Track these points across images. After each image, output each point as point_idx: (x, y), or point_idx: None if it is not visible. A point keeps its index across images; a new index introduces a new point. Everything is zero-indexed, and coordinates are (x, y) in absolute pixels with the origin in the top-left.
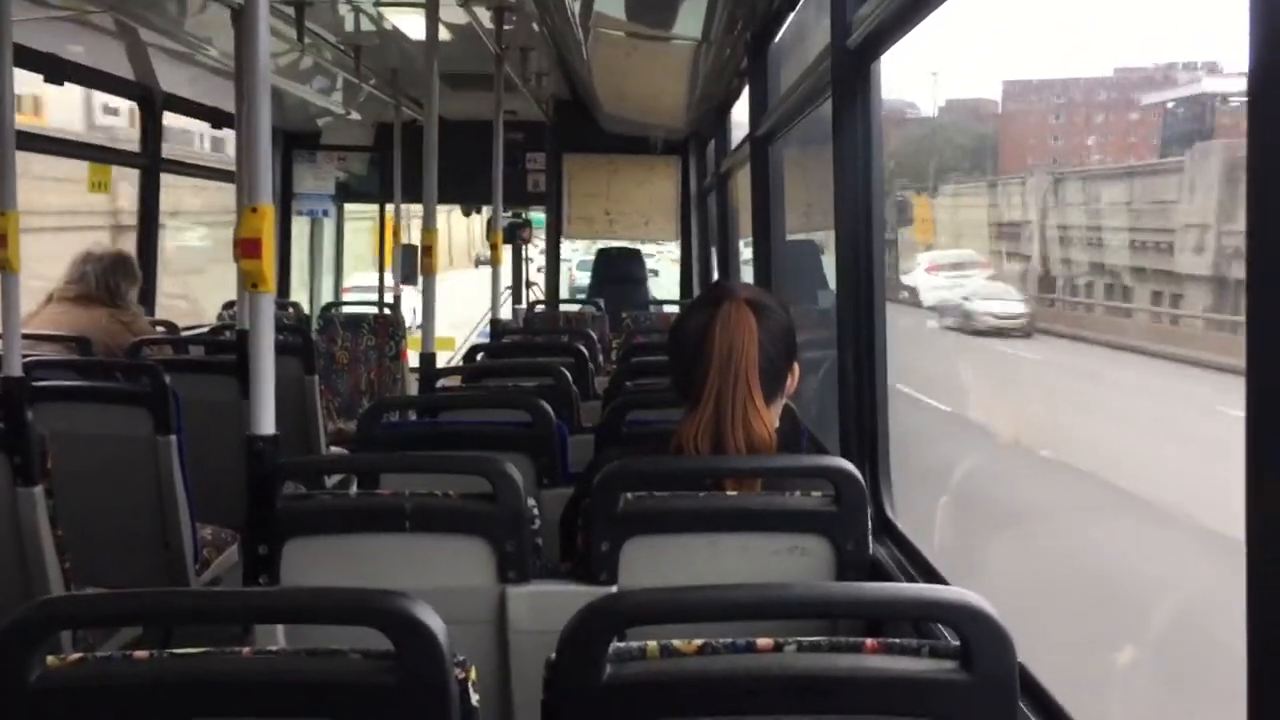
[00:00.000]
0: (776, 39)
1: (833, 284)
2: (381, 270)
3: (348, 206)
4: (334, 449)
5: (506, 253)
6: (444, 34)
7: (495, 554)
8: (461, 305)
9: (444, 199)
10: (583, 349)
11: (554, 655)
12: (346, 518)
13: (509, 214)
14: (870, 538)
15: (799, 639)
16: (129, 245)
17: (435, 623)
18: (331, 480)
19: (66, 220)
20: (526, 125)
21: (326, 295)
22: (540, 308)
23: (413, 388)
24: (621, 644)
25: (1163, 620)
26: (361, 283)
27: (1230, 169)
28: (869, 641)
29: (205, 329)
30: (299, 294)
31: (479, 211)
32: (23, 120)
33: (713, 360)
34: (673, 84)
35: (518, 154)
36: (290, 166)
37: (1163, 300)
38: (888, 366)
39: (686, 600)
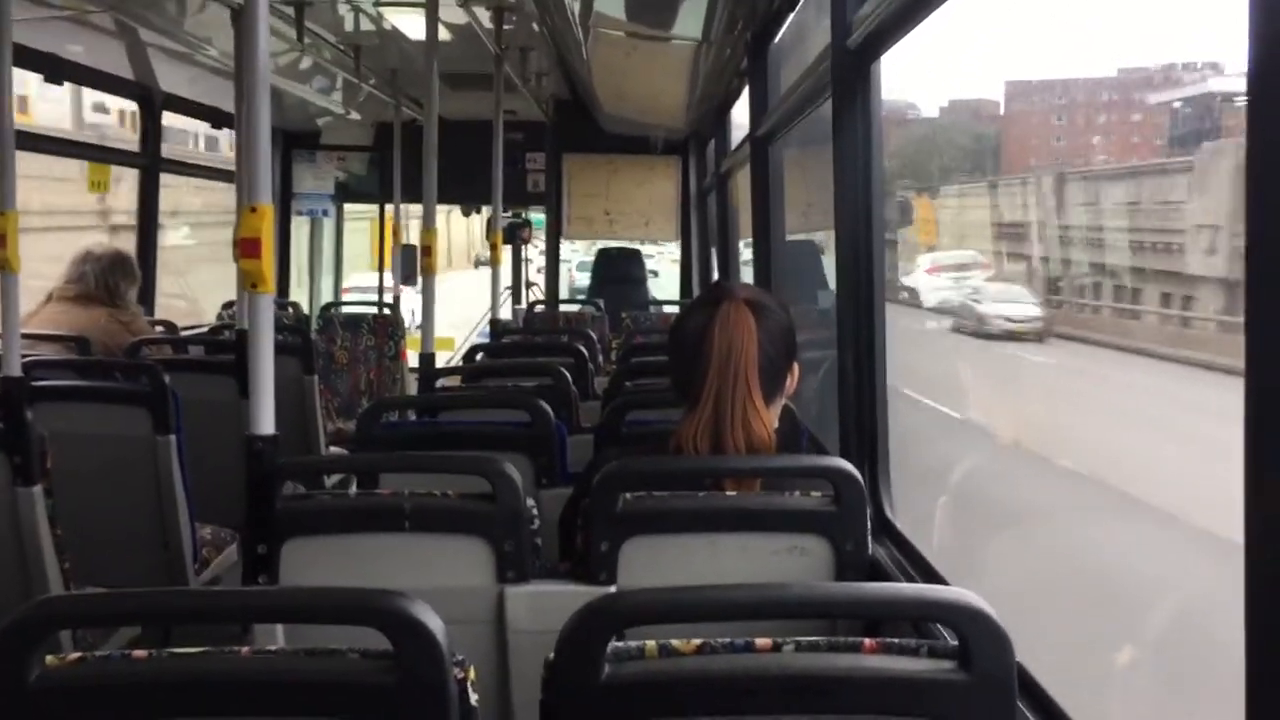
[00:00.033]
0: (776, 39)
1: (833, 284)
2: (381, 270)
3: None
4: (333, 449)
5: (506, 253)
6: (444, 34)
7: (494, 554)
8: (461, 306)
9: (444, 199)
10: (582, 349)
11: (553, 655)
12: (345, 517)
13: (509, 214)
14: (869, 538)
15: (797, 639)
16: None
17: (434, 622)
18: (331, 480)
19: (49, 221)
20: (526, 125)
21: (326, 295)
22: (540, 308)
23: (412, 388)
24: (620, 644)
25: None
26: (358, 284)
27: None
28: (867, 641)
29: (205, 329)
30: (298, 294)
31: (478, 211)
32: None
33: (712, 360)
34: (673, 84)
35: (517, 154)
36: (290, 166)
37: (1189, 304)
38: (894, 369)
39: (685, 600)
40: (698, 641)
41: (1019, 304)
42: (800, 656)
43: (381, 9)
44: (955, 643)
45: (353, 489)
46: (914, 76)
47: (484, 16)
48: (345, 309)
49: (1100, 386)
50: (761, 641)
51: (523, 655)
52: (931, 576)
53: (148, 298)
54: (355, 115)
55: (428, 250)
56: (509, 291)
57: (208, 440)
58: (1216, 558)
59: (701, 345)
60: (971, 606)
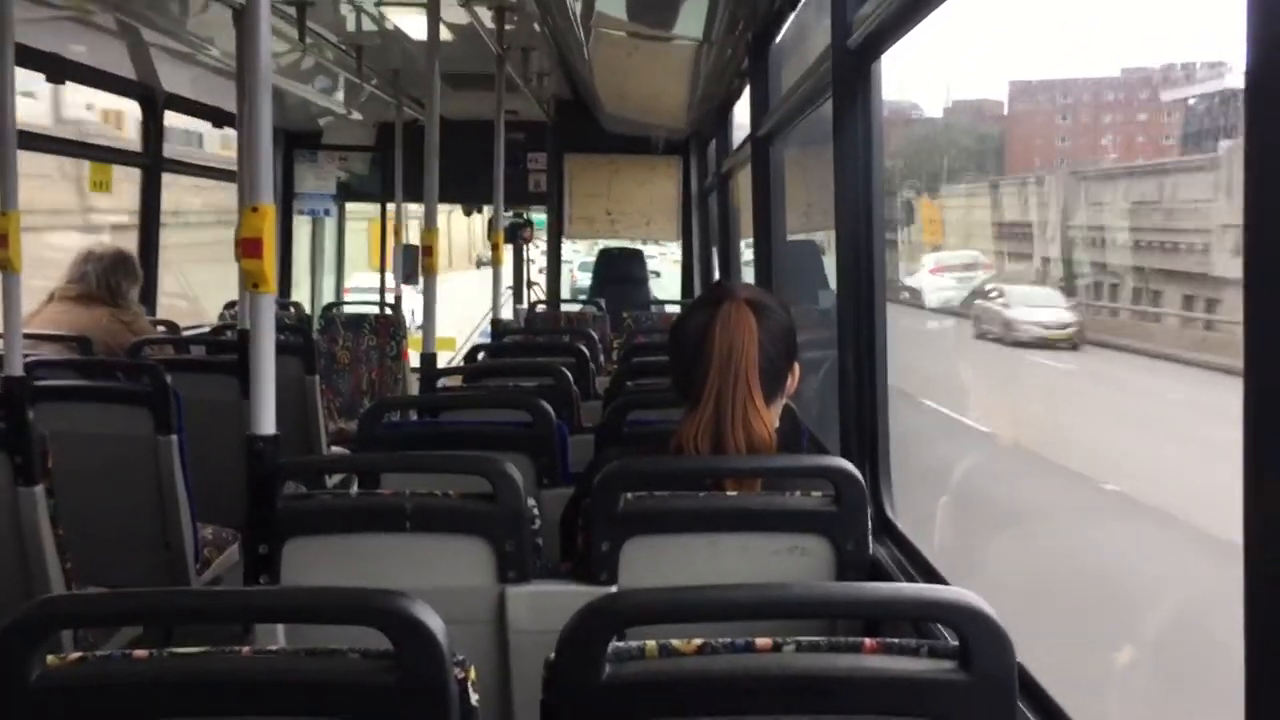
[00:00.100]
0: (777, 39)
1: (833, 284)
2: (383, 270)
3: None
4: (335, 449)
5: (507, 253)
6: (445, 34)
7: (495, 554)
8: (462, 306)
9: (445, 199)
10: (583, 349)
11: (553, 655)
12: (347, 517)
13: (510, 214)
14: (870, 538)
15: (798, 639)
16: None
17: (435, 622)
18: (332, 480)
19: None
20: (528, 125)
21: (328, 295)
22: (541, 308)
23: (414, 387)
24: (621, 644)
25: None
26: (355, 284)
27: None
28: (868, 641)
29: (206, 329)
30: (300, 294)
31: (480, 211)
32: None
33: (713, 360)
34: (674, 84)
35: (519, 154)
36: (291, 166)
37: (1215, 308)
38: (931, 385)
39: (685, 600)
40: (698, 641)
41: (1051, 308)
42: (801, 656)
43: (383, 9)
44: (955, 643)
45: (354, 489)
46: (915, 76)
47: (485, 16)
48: (347, 309)
49: (1174, 408)
50: (762, 641)
51: (523, 655)
52: (932, 576)
53: (149, 297)
54: (357, 115)
55: (429, 250)
56: (510, 291)
57: (209, 440)
58: None
59: (702, 345)
60: (971, 606)
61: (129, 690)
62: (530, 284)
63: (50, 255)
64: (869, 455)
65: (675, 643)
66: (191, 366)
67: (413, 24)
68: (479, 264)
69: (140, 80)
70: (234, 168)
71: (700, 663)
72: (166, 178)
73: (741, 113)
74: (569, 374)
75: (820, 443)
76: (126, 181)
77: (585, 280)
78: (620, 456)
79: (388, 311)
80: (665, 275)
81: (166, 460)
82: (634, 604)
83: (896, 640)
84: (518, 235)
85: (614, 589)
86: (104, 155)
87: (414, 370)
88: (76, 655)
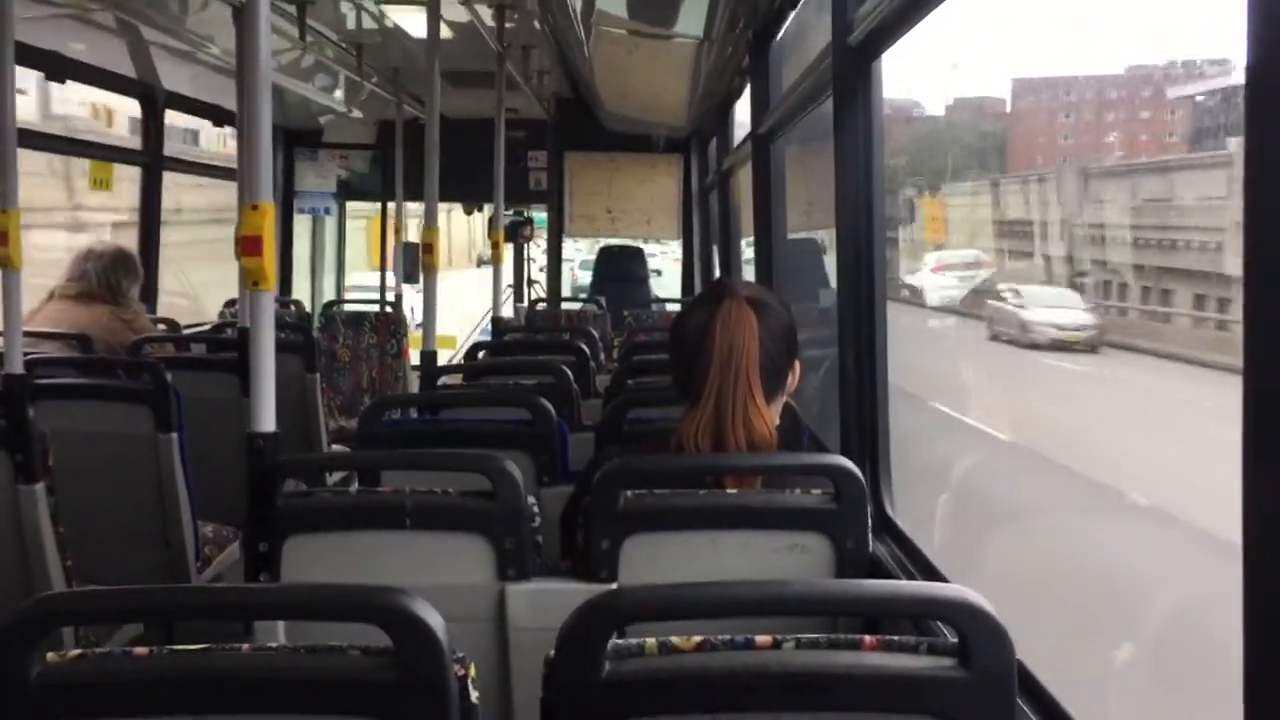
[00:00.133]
0: (778, 37)
1: (834, 282)
2: (383, 268)
3: None
4: (335, 447)
5: (508, 251)
6: (446, 32)
7: (495, 551)
8: (462, 305)
9: (445, 197)
10: (584, 347)
11: (553, 652)
12: (347, 515)
13: (510, 212)
14: (870, 535)
15: (798, 636)
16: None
17: (435, 620)
18: (332, 478)
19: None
20: (528, 123)
21: (328, 293)
22: (542, 306)
23: (414, 386)
24: (620, 641)
25: None
26: (354, 284)
27: None
28: (867, 638)
29: (207, 327)
30: (300, 292)
31: (480, 210)
32: None
33: (713, 358)
34: (674, 82)
35: (519, 152)
36: (292, 164)
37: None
38: (949, 391)
39: (685, 597)
40: (698, 638)
41: (1068, 309)
42: (800, 654)
43: (383, 7)
44: (955, 640)
45: (354, 487)
46: (917, 74)
47: (486, 14)
48: (347, 307)
49: (1209, 417)
50: (762, 639)
51: (523, 653)
52: (931, 574)
53: (150, 295)
54: (357, 113)
55: (429, 248)
56: (511, 290)
57: (210, 438)
58: None
59: (703, 343)
60: (971, 604)
61: (129, 687)
62: (531, 282)
63: (39, 255)
64: (869, 453)
65: (675, 640)
66: (192, 364)
67: (413, 22)
68: (479, 262)
69: (140, 78)
70: (234, 165)
71: (700, 660)
72: (166, 176)
73: (742, 111)
74: (569, 372)
75: (820, 441)
76: (122, 180)
77: (586, 278)
78: (620, 454)
79: (388, 310)
80: (666, 273)
81: (167, 458)
82: (634, 601)
83: (896, 637)
84: (518, 233)
85: (614, 586)
86: (105, 153)
87: (414, 368)
88: (77, 652)
